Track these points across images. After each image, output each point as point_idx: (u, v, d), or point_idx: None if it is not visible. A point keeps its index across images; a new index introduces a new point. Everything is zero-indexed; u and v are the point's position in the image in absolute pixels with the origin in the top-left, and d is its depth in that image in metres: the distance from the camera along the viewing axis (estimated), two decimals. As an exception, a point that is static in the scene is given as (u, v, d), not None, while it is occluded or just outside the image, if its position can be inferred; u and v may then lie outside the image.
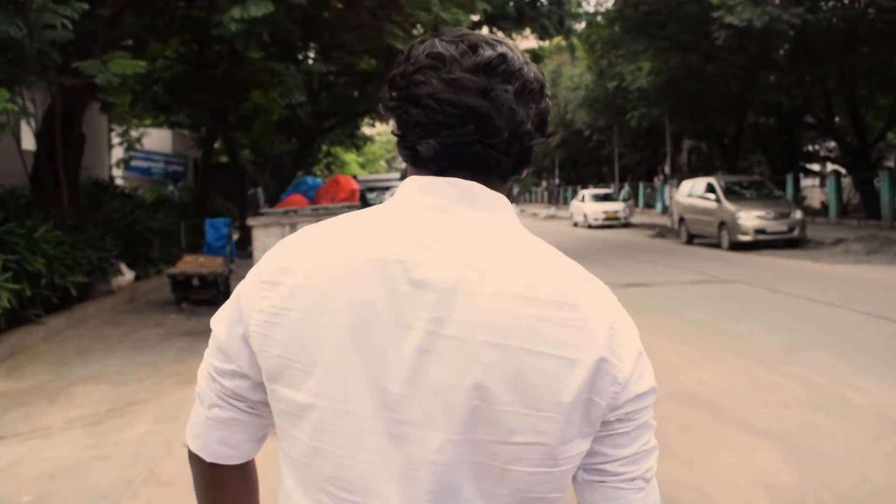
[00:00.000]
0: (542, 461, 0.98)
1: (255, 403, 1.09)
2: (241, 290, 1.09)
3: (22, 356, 7.38)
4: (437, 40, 1.06)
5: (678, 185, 27.17)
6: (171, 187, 24.32)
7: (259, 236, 8.63)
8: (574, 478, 1.06)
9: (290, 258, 1.05)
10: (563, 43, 25.23)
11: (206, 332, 1.14)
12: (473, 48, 1.04)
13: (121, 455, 4.77)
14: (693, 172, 37.21)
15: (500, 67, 1.03)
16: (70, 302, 9.12)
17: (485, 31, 21.97)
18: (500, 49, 1.05)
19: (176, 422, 5.27)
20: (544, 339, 0.97)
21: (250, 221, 9.00)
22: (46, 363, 7.08)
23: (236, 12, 7.74)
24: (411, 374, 0.97)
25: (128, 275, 11.42)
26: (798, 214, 19.76)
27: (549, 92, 1.13)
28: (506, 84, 1.02)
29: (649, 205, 44.48)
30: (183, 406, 5.52)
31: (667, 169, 39.34)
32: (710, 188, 21.11)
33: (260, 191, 21.11)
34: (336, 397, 0.98)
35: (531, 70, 1.07)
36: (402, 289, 0.98)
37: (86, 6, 7.18)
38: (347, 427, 0.98)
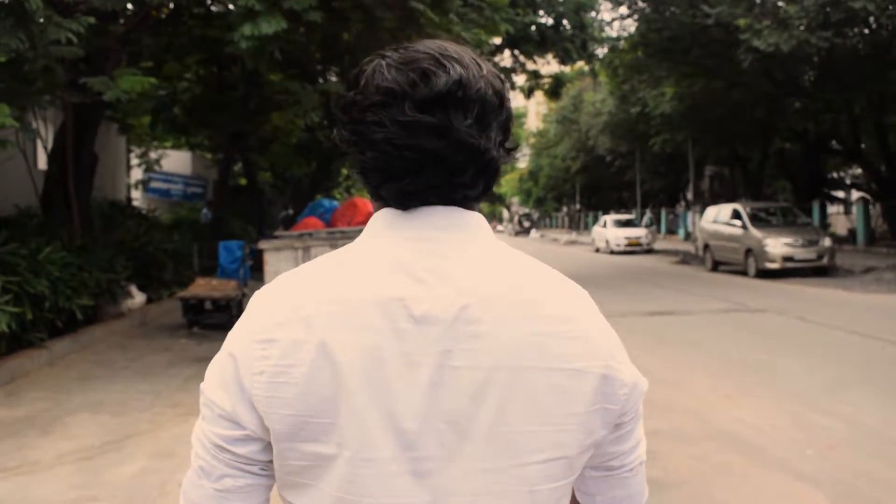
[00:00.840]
0: (564, 473, 1.00)
1: (267, 464, 1.03)
2: (234, 351, 1.01)
3: (22, 381, 7.05)
4: (384, 66, 0.99)
5: (701, 211, 26.72)
6: (204, 209, 23.99)
7: (271, 260, 8.19)
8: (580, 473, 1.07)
9: (280, 311, 0.99)
10: (585, 68, 24.94)
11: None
12: (424, 77, 0.97)
13: (111, 497, 4.38)
14: (715, 199, 36.69)
15: (457, 95, 0.97)
16: (76, 325, 8.79)
17: (506, 54, 21.66)
18: (454, 72, 0.97)
19: (174, 459, 4.89)
20: (551, 355, 0.97)
21: (261, 245, 8.61)
22: (46, 389, 6.74)
23: (247, 29, 7.46)
24: (425, 409, 0.95)
25: (138, 297, 11.12)
26: (827, 242, 19.26)
27: (508, 95, 1.05)
28: (465, 114, 0.97)
29: (672, 231, 43.92)
30: (183, 440, 5.15)
31: (689, 195, 38.86)
32: (736, 214, 20.67)
33: (292, 212, 20.72)
34: (357, 445, 0.95)
35: (489, 83, 1.00)
36: (405, 327, 0.96)
37: (91, 20, 6.90)
38: (372, 473, 0.96)
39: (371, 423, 0.95)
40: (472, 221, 1.04)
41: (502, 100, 1.02)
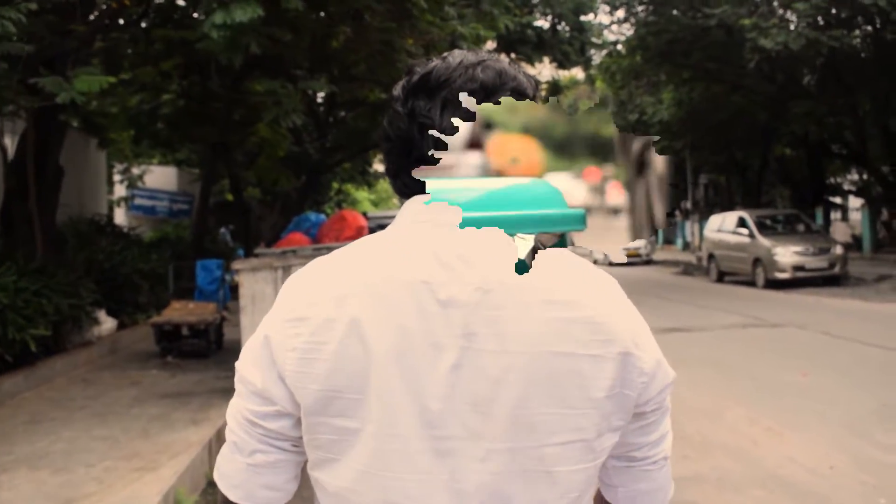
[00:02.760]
0: (582, 457, 1.00)
1: (298, 440, 1.06)
2: (267, 332, 1.05)
3: (-39, 428, 6.14)
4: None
5: (699, 220, 25.96)
6: (223, 229, 23.09)
7: (246, 282, 7.21)
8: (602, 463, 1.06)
9: (312, 292, 1.03)
10: (580, 76, 24.30)
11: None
12: (410, 76, 1.08)
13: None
14: (710, 207, 35.96)
15: (424, 86, 1.04)
16: (34, 358, 7.85)
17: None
18: (429, 67, 1.06)
19: (118, 533, 3.98)
20: (571, 340, 0.98)
21: (235, 265, 7.67)
22: (-15, 438, 5.83)
23: (218, 17, 6.62)
24: (449, 390, 0.97)
25: (108, 323, 10.19)
26: (839, 250, 18.51)
27: (505, 92, 1.07)
28: (428, 100, 1.04)
29: (669, 241, 43.17)
30: (132, 507, 4.25)
31: (688, 204, 38.12)
32: (742, 222, 19.90)
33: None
34: (382, 420, 0.98)
35: (472, 75, 1.05)
36: (430, 310, 0.98)
37: (33, 6, 6.04)
38: (394, 448, 0.98)
39: (397, 400, 0.98)
40: None
41: (487, 92, 1.04)
